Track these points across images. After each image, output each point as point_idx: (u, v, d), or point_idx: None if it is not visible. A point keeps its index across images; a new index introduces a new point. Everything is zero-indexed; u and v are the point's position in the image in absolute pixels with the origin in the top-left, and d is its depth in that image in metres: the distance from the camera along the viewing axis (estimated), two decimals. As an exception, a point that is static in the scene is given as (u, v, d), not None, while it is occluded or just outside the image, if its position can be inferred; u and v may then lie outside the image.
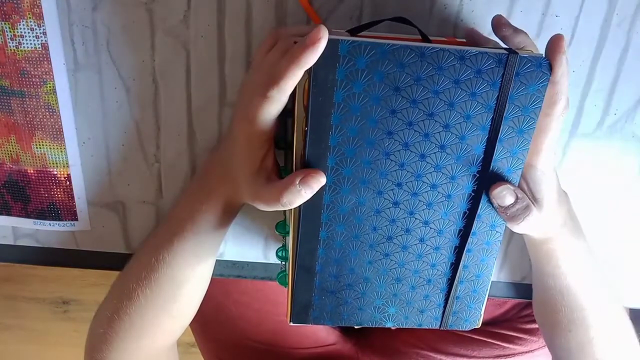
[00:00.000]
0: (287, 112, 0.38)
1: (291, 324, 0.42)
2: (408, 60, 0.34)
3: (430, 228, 0.40)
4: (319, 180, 0.35)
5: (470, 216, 0.39)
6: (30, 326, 1.40)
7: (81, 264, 0.54)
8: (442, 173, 0.38)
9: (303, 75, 0.34)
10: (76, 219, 0.51)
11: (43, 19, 0.43)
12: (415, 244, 0.40)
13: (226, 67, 0.45)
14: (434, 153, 0.37)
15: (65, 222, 0.51)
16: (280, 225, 0.46)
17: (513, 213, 0.38)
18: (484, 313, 0.43)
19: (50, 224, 0.51)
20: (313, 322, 0.42)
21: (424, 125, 0.36)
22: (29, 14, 0.42)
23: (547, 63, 0.35)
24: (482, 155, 0.37)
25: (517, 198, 0.38)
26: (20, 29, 0.43)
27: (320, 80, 0.34)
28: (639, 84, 0.45)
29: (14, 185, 0.49)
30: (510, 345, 0.67)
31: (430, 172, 0.38)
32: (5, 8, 0.42)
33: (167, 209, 0.50)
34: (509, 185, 0.37)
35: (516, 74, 0.35)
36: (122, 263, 0.54)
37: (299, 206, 0.37)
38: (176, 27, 0.43)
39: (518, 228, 0.39)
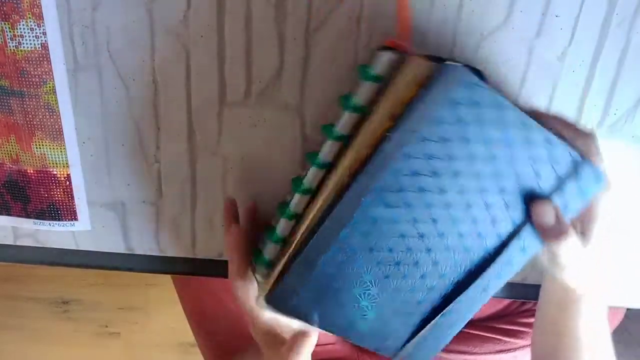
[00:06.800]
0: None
1: (265, 303, 0.40)
2: (506, 120, 0.36)
3: (437, 270, 0.40)
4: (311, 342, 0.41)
5: (472, 277, 0.41)
6: (30, 326, 1.40)
7: (81, 264, 0.54)
8: (476, 230, 0.39)
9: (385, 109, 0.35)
10: (76, 219, 0.51)
11: (43, 19, 0.43)
12: (416, 278, 0.40)
13: (226, 67, 0.45)
14: (480, 208, 0.38)
15: (65, 222, 0.51)
16: (297, 180, 0.42)
17: (552, 232, 0.39)
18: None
19: (50, 224, 0.51)
20: (286, 311, 0.40)
21: (486, 182, 0.38)
22: (29, 14, 0.42)
23: (605, 181, 0.38)
24: (510, 233, 0.40)
25: (557, 218, 0.38)
26: (20, 29, 0.43)
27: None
28: (639, 84, 0.45)
29: (14, 185, 0.49)
30: (512, 339, 0.67)
31: (467, 224, 0.39)
32: (5, 8, 0.42)
33: (167, 208, 0.50)
34: (549, 204, 0.38)
35: (577, 176, 0.38)
36: (122, 263, 0.54)
37: (336, 198, 0.37)
38: (176, 27, 0.43)
39: (557, 248, 0.39)
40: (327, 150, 0.39)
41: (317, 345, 0.69)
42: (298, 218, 0.40)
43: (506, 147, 0.37)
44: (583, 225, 0.40)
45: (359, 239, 0.38)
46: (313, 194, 0.40)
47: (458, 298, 0.41)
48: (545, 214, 0.38)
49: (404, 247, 0.39)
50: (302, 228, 0.39)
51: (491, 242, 0.40)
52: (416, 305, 0.41)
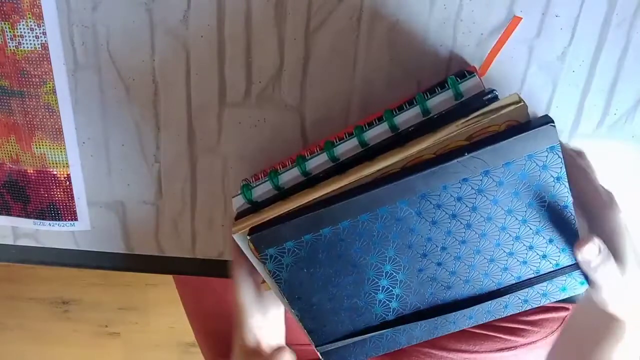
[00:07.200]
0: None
1: (243, 235, 0.40)
2: (556, 195, 0.38)
3: (412, 291, 0.41)
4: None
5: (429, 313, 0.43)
6: (30, 326, 1.40)
7: (81, 264, 0.54)
8: (466, 275, 0.41)
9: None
10: (76, 219, 0.51)
11: (43, 19, 0.43)
12: (392, 288, 0.41)
13: (226, 67, 0.45)
14: (483, 258, 0.40)
15: (65, 222, 0.51)
16: (329, 144, 0.41)
17: (597, 264, 0.39)
18: None
19: (50, 224, 0.51)
20: (262, 251, 0.39)
21: (504, 238, 0.40)
22: (29, 14, 0.42)
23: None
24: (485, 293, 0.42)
25: (599, 249, 0.39)
26: (20, 29, 0.43)
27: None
28: (639, 84, 0.45)
29: (14, 185, 0.49)
30: (512, 338, 0.67)
31: (463, 267, 0.40)
32: (5, 8, 0.42)
33: (167, 208, 0.50)
34: (594, 241, 0.38)
35: (569, 274, 0.42)
36: (122, 263, 0.54)
37: (374, 182, 0.37)
38: (176, 27, 0.43)
39: (597, 276, 0.40)
40: (377, 133, 0.39)
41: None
42: (310, 178, 0.40)
43: (539, 217, 0.38)
44: (614, 249, 0.40)
45: (373, 230, 0.38)
46: (338, 165, 0.40)
47: (407, 325, 0.42)
48: (590, 250, 0.39)
49: (404, 258, 0.39)
50: (318, 191, 0.38)
51: (465, 292, 0.42)
52: (376, 312, 0.42)
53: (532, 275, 0.41)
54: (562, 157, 0.36)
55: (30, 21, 0.42)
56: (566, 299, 0.44)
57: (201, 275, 0.55)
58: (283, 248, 0.39)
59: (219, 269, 0.54)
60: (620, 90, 0.45)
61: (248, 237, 0.39)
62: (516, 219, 0.38)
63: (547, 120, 0.35)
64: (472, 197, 0.37)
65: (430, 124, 0.38)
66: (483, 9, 0.43)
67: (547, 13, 0.43)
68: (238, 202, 0.42)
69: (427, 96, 0.39)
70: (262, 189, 0.41)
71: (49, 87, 0.45)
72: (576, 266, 0.41)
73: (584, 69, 0.45)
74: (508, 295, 0.42)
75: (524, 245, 0.40)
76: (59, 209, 0.50)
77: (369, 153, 0.39)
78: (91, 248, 0.53)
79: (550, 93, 0.45)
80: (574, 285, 0.42)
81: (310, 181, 0.40)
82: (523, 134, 0.35)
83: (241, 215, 0.41)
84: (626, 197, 0.50)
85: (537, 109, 0.46)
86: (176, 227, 0.51)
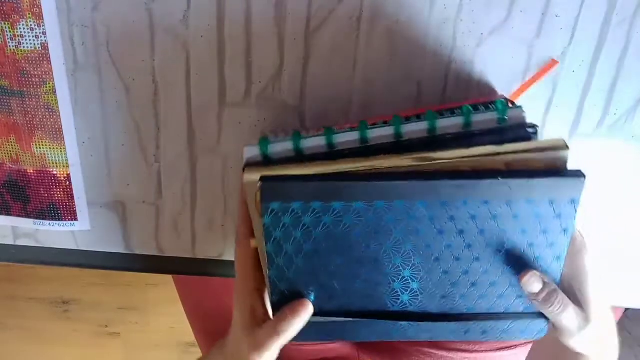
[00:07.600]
0: None
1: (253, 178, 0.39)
2: (557, 243, 0.39)
3: (382, 289, 0.41)
4: (308, 310, 0.40)
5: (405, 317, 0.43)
6: (30, 326, 1.40)
7: (81, 264, 0.54)
8: (445, 290, 0.41)
9: None
10: (76, 219, 0.51)
11: (43, 19, 0.43)
12: (374, 281, 0.41)
13: (226, 67, 0.45)
14: (466, 280, 0.40)
15: (65, 222, 0.51)
16: (363, 124, 0.41)
17: (543, 298, 0.39)
18: None
19: (50, 224, 0.51)
20: (267, 200, 0.38)
21: (498, 271, 0.40)
22: (29, 13, 0.42)
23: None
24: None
25: (544, 284, 0.39)
26: (20, 29, 0.43)
27: None
28: (639, 84, 0.45)
29: (14, 185, 0.49)
30: None
31: (445, 283, 0.40)
32: (5, 8, 0.42)
33: (167, 208, 0.50)
34: (535, 272, 0.39)
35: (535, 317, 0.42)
36: (122, 263, 0.54)
37: (402, 174, 0.37)
38: (176, 27, 0.43)
39: (553, 315, 0.40)
40: (414, 129, 0.40)
41: (319, 343, 0.69)
42: (333, 152, 0.40)
43: (531, 260, 0.39)
44: (576, 291, 0.40)
45: (382, 219, 0.38)
46: (366, 148, 0.40)
47: (369, 320, 0.42)
48: (532, 283, 0.39)
49: (397, 257, 0.39)
50: (340, 165, 0.38)
51: (437, 307, 0.41)
52: (346, 297, 0.42)
53: (502, 311, 0.42)
54: (577, 212, 0.37)
55: (30, 21, 0.42)
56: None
57: (201, 275, 0.55)
58: (288, 206, 0.38)
59: (219, 269, 0.54)
60: (620, 90, 0.45)
61: (258, 184, 0.38)
62: (511, 254, 0.39)
63: (580, 174, 0.36)
64: (485, 220, 0.38)
65: (467, 137, 0.39)
66: (483, 9, 0.43)
67: (547, 13, 0.43)
68: (250, 152, 0.41)
69: (472, 110, 0.40)
70: (281, 147, 0.40)
71: (49, 87, 0.45)
72: (541, 314, 0.41)
73: (584, 69, 0.45)
74: (473, 322, 0.42)
75: (506, 280, 0.40)
76: (59, 209, 0.50)
77: (401, 146, 0.39)
78: (91, 248, 0.53)
79: (550, 93, 0.45)
80: (533, 331, 0.43)
81: (332, 155, 0.40)
82: (555, 178, 0.36)
83: (250, 165, 0.40)
84: (626, 197, 0.50)
85: (537, 110, 0.46)
86: (176, 227, 0.51)
